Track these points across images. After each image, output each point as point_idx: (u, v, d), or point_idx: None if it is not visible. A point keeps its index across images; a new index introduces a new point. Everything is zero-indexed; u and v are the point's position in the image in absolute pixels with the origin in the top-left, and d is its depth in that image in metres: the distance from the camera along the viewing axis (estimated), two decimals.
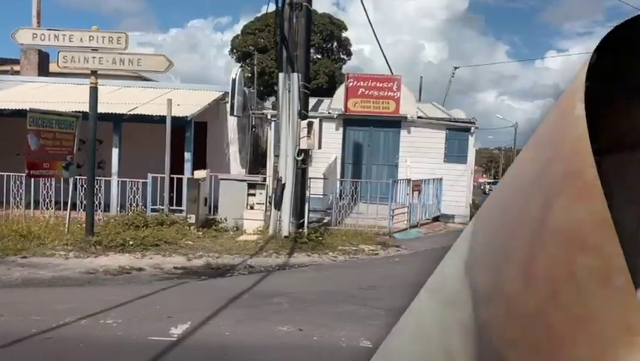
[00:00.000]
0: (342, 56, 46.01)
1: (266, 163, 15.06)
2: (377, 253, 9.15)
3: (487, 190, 50.41)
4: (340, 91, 15.15)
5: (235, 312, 5.09)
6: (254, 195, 9.78)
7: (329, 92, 34.38)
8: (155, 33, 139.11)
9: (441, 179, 14.61)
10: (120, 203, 11.43)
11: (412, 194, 12.74)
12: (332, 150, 15.02)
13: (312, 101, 18.36)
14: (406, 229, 12.39)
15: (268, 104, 37.42)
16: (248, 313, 5.05)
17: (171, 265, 7.34)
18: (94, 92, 8.01)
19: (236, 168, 15.02)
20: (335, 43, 44.98)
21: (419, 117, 15.03)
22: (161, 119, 12.05)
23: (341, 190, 14.05)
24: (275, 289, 6.13)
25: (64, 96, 13.45)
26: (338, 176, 14.93)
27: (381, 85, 14.82)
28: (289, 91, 8.88)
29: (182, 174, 11.19)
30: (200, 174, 9.74)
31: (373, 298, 5.92)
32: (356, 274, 7.43)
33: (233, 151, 14.99)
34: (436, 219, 14.69)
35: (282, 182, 8.93)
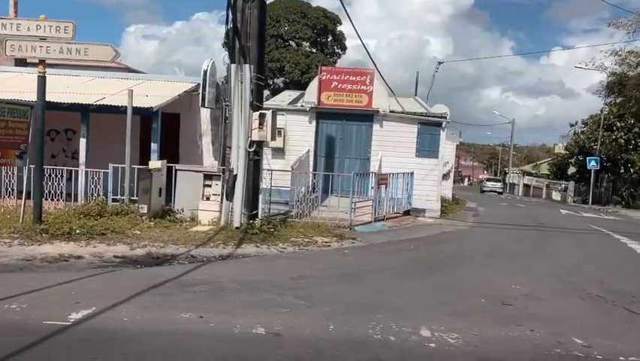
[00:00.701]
0: (337, 50, 45.93)
1: None
2: (329, 245, 9.18)
3: (483, 188, 49.76)
4: (314, 84, 15.16)
5: (147, 299, 5.14)
6: (210, 186, 9.83)
7: None
8: (159, 26, 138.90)
9: (412, 173, 14.61)
10: (88, 193, 11.50)
11: (378, 187, 12.76)
12: (305, 144, 15.08)
13: (296, 93, 18.41)
14: (371, 222, 12.43)
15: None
16: (159, 301, 5.10)
17: (112, 254, 7.39)
18: (42, 81, 8.05)
19: (209, 159, 15.03)
20: (330, 38, 44.87)
21: (391, 111, 15.04)
22: (136, 111, 12.11)
23: (314, 183, 14.11)
24: (202, 278, 6.18)
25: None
26: (310, 169, 14.98)
27: (354, 79, 14.83)
28: (241, 82, 8.90)
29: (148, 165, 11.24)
30: (154, 164, 9.79)
31: (298, 287, 5.96)
32: (296, 264, 7.46)
33: (206, 143, 15.00)
34: (407, 213, 14.71)
35: (234, 173, 8.96)
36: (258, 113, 8.91)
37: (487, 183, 50.55)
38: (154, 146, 12.73)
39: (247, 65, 8.85)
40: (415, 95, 40.89)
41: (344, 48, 45.90)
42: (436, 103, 20.97)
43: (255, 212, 9.36)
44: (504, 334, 4.65)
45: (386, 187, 13.33)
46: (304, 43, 42.51)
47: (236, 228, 8.93)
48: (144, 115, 12.57)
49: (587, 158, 36.25)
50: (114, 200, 10.78)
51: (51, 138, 15.20)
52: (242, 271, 6.92)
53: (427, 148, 14.97)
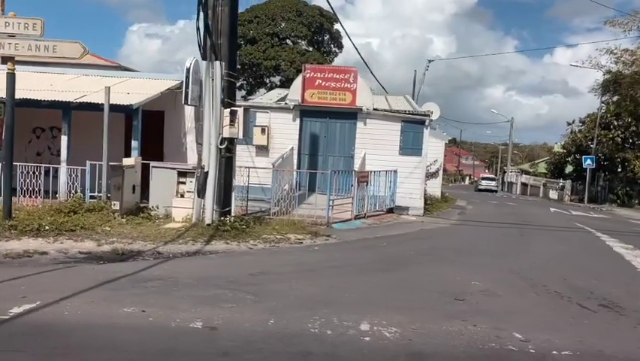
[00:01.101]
0: (334, 49, 45.94)
1: None
2: (302, 242, 9.20)
3: (478, 186, 50.37)
4: (297, 82, 15.18)
5: (96, 294, 5.18)
6: (184, 183, 9.86)
7: None
8: (162, 25, 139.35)
9: (395, 171, 14.63)
10: (68, 190, 11.56)
11: (358, 185, 12.78)
12: (289, 141, 15.12)
13: (286, 91, 18.40)
14: (351, 219, 12.45)
15: (259, 94, 37.57)
16: (107, 296, 5.13)
17: (77, 250, 7.44)
18: (10, 78, 8.09)
19: (194, 157, 15.02)
20: (327, 36, 44.87)
21: (375, 109, 15.05)
22: (109, 108, 12.16)
23: (297, 181, 14.16)
24: (160, 274, 6.21)
25: (22, 84, 13.54)
26: (295, 167, 15.01)
27: (338, 76, 14.84)
28: (212, 79, 8.93)
29: None
30: (128, 161, 9.84)
31: (253, 283, 6.00)
32: (260, 261, 7.49)
33: (190, 140, 15.02)
34: (390, 210, 14.73)
35: (205, 170, 8.99)
36: (228, 110, 8.93)
37: (482, 181, 51.72)
38: (134, 143, 12.79)
39: (218, 62, 8.88)
40: (413, 93, 40.99)
41: (341, 47, 45.91)
42: (426, 102, 21.05)
43: (227, 209, 9.39)
44: (444, 328, 4.67)
45: (367, 185, 13.35)
46: (300, 41, 42.54)
47: (208, 225, 8.96)
48: (127, 112, 12.65)
49: (583, 156, 36.17)
50: (92, 197, 10.84)
51: (37, 135, 15.31)
52: (203, 267, 6.95)
53: (410, 146, 14.98)
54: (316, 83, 14.93)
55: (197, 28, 8.76)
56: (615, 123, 36.44)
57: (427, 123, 14.92)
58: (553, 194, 43.43)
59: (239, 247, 8.35)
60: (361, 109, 14.89)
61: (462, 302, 5.68)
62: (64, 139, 12.21)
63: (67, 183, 11.51)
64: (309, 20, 39.66)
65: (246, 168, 11.61)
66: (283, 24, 40.18)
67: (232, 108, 8.98)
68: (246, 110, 9.39)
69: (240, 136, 9.19)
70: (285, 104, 15.15)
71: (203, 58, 8.94)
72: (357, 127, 15.13)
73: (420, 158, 15.00)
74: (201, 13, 8.75)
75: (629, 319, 5.37)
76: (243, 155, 15.04)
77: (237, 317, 4.65)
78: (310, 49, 41.18)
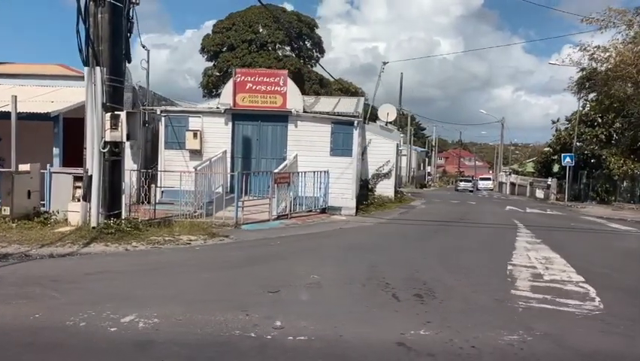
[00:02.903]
0: (315, 54, 46.18)
1: None
2: (190, 243, 9.32)
3: (457, 187, 51.42)
4: (228, 86, 15.37)
5: None
6: (80, 187, 10.03)
7: None
8: (170, 35, 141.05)
9: (327, 171, 14.74)
10: None
11: (276, 186, 12.89)
12: (222, 145, 15.30)
13: None
14: (268, 220, 12.57)
15: None
16: None
17: None
18: None
19: (128, 163, 15.28)
20: (308, 42, 45.15)
21: (305, 112, 15.18)
22: (29, 117, 12.45)
23: (230, 184, 14.32)
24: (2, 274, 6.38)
25: None
26: (228, 170, 15.18)
27: (268, 80, 15.01)
28: (95, 84, 9.12)
29: None
30: (23, 167, 10.04)
31: (77, 282, 6.16)
32: (120, 261, 7.60)
33: (125, 147, 15.24)
34: (323, 211, 14.83)
35: (89, 174, 9.17)
36: (109, 114, 9.11)
37: (460, 183, 54.70)
38: (55, 150, 13.10)
39: (98, 68, 9.06)
40: (400, 95, 41.05)
41: (322, 51, 46.21)
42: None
43: (116, 212, 9.54)
44: (214, 318, 4.76)
45: (288, 186, 13.46)
46: (284, 47, 42.89)
47: (93, 228, 9.12)
48: (50, 120, 12.94)
49: (562, 154, 35.98)
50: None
51: None
52: (53, 268, 7.09)
53: (341, 147, 15.08)
54: (247, 87, 15.10)
55: (77, 32, 8.95)
56: (599, 121, 36.20)
57: (355, 124, 15.01)
58: (539, 193, 43.14)
59: (116, 249, 8.48)
60: (291, 111, 15.03)
61: (271, 294, 5.77)
62: None
63: None
64: (286, 26, 39.94)
65: (172, 172, 11.76)
66: (261, 31, 40.53)
67: (114, 112, 9.14)
68: (131, 114, 9.58)
69: (124, 140, 9.35)
70: (217, 108, 15.33)
71: (85, 64, 9.13)
72: (289, 129, 15.27)
73: (350, 158, 15.08)
74: (81, 19, 8.93)
75: (420, 307, 5.42)
76: (177, 159, 15.28)
77: (14, 312, 4.80)
78: (287, 54, 41.44)
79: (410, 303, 5.61)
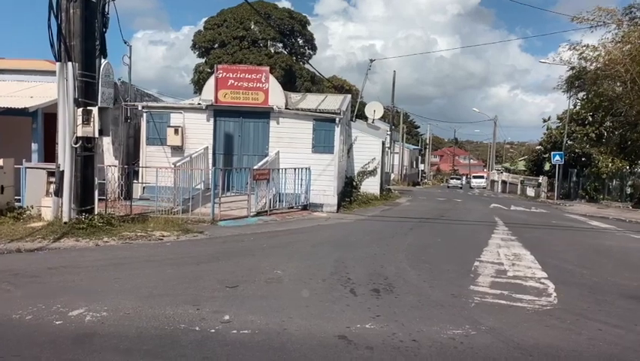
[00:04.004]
0: (307, 51, 46.16)
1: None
2: (162, 239, 9.33)
3: (448, 185, 52.47)
4: (210, 82, 15.36)
5: None
6: (54, 182, 10.01)
7: (285, 86, 34.54)
8: (167, 32, 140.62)
9: (308, 168, 14.76)
10: None
11: (255, 182, 12.91)
12: (204, 141, 15.30)
13: None
14: (246, 216, 12.59)
15: None
16: None
17: None
18: None
19: (110, 158, 15.29)
20: (300, 39, 45.12)
21: (287, 108, 15.19)
22: (6, 112, 12.43)
23: (212, 180, 14.31)
24: None
25: None
26: (210, 166, 15.17)
27: (249, 76, 15.00)
28: (67, 80, 9.10)
29: None
30: None
31: (36, 275, 6.20)
32: (86, 257, 7.55)
33: (107, 143, 15.24)
34: (305, 207, 14.86)
35: (61, 169, 9.16)
36: (81, 109, 9.09)
37: (451, 180, 57.41)
38: (34, 146, 13.08)
39: (70, 63, 9.05)
40: (392, 92, 41.05)
41: (314, 48, 46.17)
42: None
43: (89, 207, 9.54)
44: (163, 312, 4.78)
45: (268, 182, 13.48)
46: (276, 44, 42.83)
47: (65, 223, 9.11)
48: (28, 116, 12.92)
49: (552, 153, 36.10)
50: None
51: None
52: (17, 262, 7.09)
53: (322, 144, 15.09)
54: (229, 83, 15.09)
55: (49, 27, 8.92)
56: (590, 119, 36.30)
57: (337, 121, 15.02)
58: (530, 191, 43.29)
59: (87, 244, 8.48)
60: (273, 108, 15.03)
61: (229, 289, 5.79)
62: None
63: None
64: (277, 23, 39.88)
65: (153, 168, 11.80)
66: (252, 28, 40.46)
67: (86, 108, 9.13)
68: (102, 109, 9.55)
69: (96, 135, 9.34)
70: (199, 104, 15.32)
71: (57, 59, 9.10)
72: (271, 126, 15.27)
73: (332, 155, 15.10)
74: (53, 15, 8.90)
75: (374, 301, 5.45)
76: (159, 155, 15.27)
77: None
78: (279, 51, 41.39)
79: (365, 298, 5.64)
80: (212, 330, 4.36)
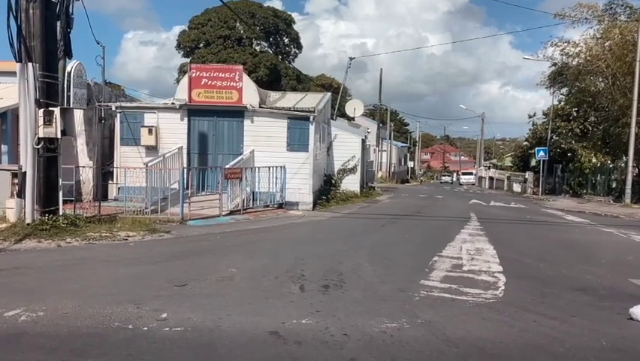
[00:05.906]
0: (293, 50, 46.12)
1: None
2: (127, 239, 9.32)
3: (440, 181, 52.95)
4: (184, 82, 15.35)
5: None
6: (18, 184, 9.96)
7: (270, 84, 34.53)
8: (158, 32, 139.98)
9: (283, 167, 14.77)
10: None
11: (227, 181, 12.91)
12: (178, 141, 15.27)
13: None
14: (218, 215, 12.58)
15: None
16: None
17: None
18: None
19: (84, 159, 15.23)
20: (286, 38, 45.07)
21: (261, 107, 15.19)
22: None
23: (186, 180, 14.27)
24: None
25: None
26: (185, 165, 15.14)
27: (223, 75, 14.99)
28: (27, 80, 9.06)
29: None
30: None
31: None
32: (42, 257, 7.54)
33: (81, 143, 15.19)
34: (280, 206, 14.87)
35: (23, 170, 9.11)
36: (42, 110, 9.05)
37: (443, 177, 61.61)
38: (4, 147, 13.02)
39: (31, 64, 9.00)
40: (380, 90, 41.08)
41: (300, 47, 46.15)
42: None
43: (53, 208, 9.49)
44: (102, 311, 4.76)
45: (240, 181, 13.48)
46: (257, 42, 42.75)
47: (28, 224, 9.07)
48: None
49: (536, 148, 36.35)
50: None
51: None
52: None
53: (297, 142, 15.11)
54: (202, 83, 15.07)
55: (8, 27, 8.86)
56: (575, 115, 36.54)
57: (311, 120, 15.04)
58: (516, 187, 43.57)
59: (49, 245, 8.45)
60: (247, 107, 15.03)
61: (176, 288, 5.79)
62: None
63: None
64: (261, 22, 39.82)
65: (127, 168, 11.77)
66: (238, 26, 40.36)
67: (47, 109, 9.09)
68: (65, 110, 9.56)
69: (59, 136, 9.29)
70: (172, 104, 15.29)
71: (17, 60, 9.05)
72: (245, 125, 15.27)
73: (307, 154, 15.12)
74: (12, 15, 8.85)
75: (319, 297, 5.48)
76: (133, 156, 15.22)
77: None
78: (263, 50, 41.34)
79: (312, 293, 5.67)
80: (145, 328, 4.36)
